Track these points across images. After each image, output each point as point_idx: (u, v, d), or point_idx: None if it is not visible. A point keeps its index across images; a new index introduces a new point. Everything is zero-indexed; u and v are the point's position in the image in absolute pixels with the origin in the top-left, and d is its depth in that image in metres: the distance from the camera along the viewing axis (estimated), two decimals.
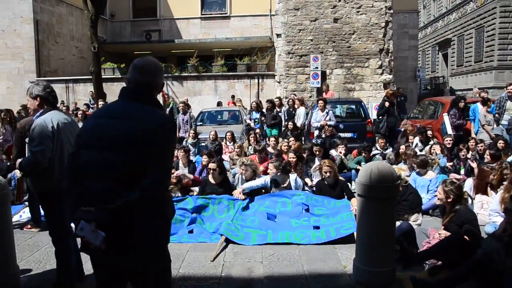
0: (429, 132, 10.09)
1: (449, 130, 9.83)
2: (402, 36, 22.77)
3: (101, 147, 2.22)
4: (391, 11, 16.83)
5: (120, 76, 18.94)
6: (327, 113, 10.76)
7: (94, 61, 16.00)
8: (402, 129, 10.67)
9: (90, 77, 16.62)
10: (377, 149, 9.98)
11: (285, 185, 6.62)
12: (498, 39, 26.15)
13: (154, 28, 22.84)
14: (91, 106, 16.18)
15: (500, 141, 8.00)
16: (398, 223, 5.02)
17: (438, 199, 4.81)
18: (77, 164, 2.28)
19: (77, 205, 2.20)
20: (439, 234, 4.63)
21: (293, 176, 6.84)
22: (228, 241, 5.32)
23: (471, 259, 3.81)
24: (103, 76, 17.33)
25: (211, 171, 6.63)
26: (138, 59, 2.52)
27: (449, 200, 4.59)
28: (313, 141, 9.53)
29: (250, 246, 5.23)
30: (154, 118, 2.31)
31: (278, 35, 17.31)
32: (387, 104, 10.64)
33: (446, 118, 10.06)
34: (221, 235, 5.41)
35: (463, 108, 10.07)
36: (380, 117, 10.89)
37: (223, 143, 10.55)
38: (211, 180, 6.68)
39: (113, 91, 18.45)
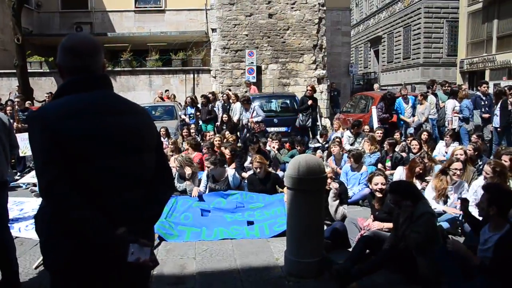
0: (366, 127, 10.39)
1: (375, 123, 10.24)
2: (336, 32, 23.41)
3: (124, 151, 1.89)
4: (324, 8, 17.24)
5: (48, 70, 17.98)
6: (253, 109, 10.87)
7: (19, 54, 15.06)
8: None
9: (15, 71, 15.62)
10: (318, 142, 10.21)
11: (223, 179, 6.58)
12: (424, 38, 27.64)
13: (85, 21, 21.82)
14: (41, 101, 15.13)
15: (424, 133, 8.46)
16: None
17: (376, 191, 5.01)
18: (102, 179, 1.83)
19: (116, 226, 1.81)
20: (368, 225, 4.83)
21: (231, 172, 6.82)
22: (161, 238, 5.22)
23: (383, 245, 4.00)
24: (29, 70, 16.36)
25: None
26: (89, 38, 2.08)
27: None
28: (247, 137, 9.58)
29: (183, 243, 5.16)
30: (143, 109, 2.12)
31: (214, 30, 17.21)
32: (310, 102, 10.87)
33: (374, 112, 10.47)
34: (155, 233, 5.29)
35: (391, 103, 10.52)
36: (305, 112, 11.07)
37: None
38: None
39: (40, 86, 17.50)
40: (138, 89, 18.24)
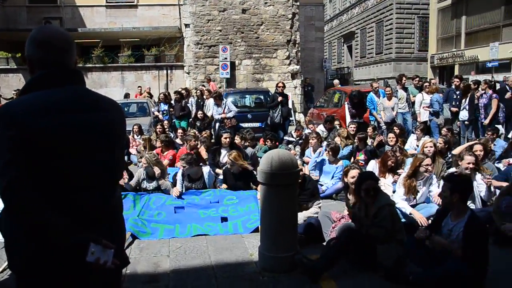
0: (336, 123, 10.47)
1: (348, 118, 10.33)
2: (309, 28, 23.54)
3: (92, 150, 1.83)
4: (298, 3, 17.31)
5: (15, 66, 17.49)
6: (225, 105, 10.85)
7: None
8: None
9: None
10: (292, 136, 10.26)
11: (199, 177, 6.52)
12: (396, 33, 28.05)
13: (54, 16, 21.22)
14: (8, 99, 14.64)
15: (395, 128, 8.59)
16: (302, 216, 5.20)
17: (352, 183, 5.06)
18: (70, 177, 1.77)
19: (76, 227, 1.75)
20: (344, 217, 4.89)
21: (206, 169, 6.76)
22: (134, 237, 5.15)
23: (344, 234, 4.07)
24: None
25: None
26: (63, 31, 2.01)
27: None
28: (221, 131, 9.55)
29: (157, 240, 5.11)
30: (116, 104, 2.05)
31: (187, 25, 17.06)
32: (280, 98, 10.93)
33: (346, 107, 10.56)
34: (127, 231, 5.21)
35: (359, 101, 10.62)
36: (274, 109, 11.10)
37: (130, 137, 10.19)
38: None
39: (7, 83, 17.02)
40: (110, 86, 17.94)
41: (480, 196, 5.49)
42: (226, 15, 16.58)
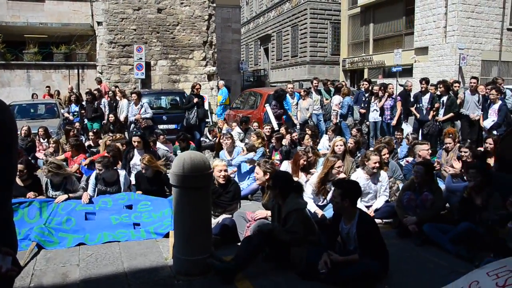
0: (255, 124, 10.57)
1: (273, 121, 10.46)
2: (226, 29, 23.68)
3: None
4: (214, 4, 17.33)
5: None
6: (142, 106, 10.61)
7: None
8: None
9: None
10: (207, 138, 10.21)
11: (114, 181, 6.26)
12: (310, 37, 29.11)
13: None
14: None
15: (307, 129, 8.92)
16: (221, 218, 5.22)
17: (257, 179, 5.13)
18: None
19: None
20: (259, 214, 4.97)
21: (122, 172, 6.52)
22: (40, 247, 4.83)
23: (258, 234, 4.17)
24: None
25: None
26: None
27: (266, 177, 4.95)
28: (133, 133, 9.30)
29: (66, 249, 4.84)
30: (6, 104, 1.93)
31: (99, 23, 16.37)
32: (195, 100, 10.92)
33: (268, 109, 10.69)
34: (32, 241, 4.88)
35: (283, 100, 10.89)
36: (190, 110, 11.06)
37: (36, 140, 9.55)
38: (19, 183, 5.92)
39: None
40: (14, 85, 16.70)
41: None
42: (141, 14, 16.17)
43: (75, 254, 4.72)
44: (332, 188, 5.70)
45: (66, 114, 11.59)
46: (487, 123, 8.84)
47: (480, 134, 9.32)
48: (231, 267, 3.94)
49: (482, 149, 7.32)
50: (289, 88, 11.45)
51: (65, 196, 5.76)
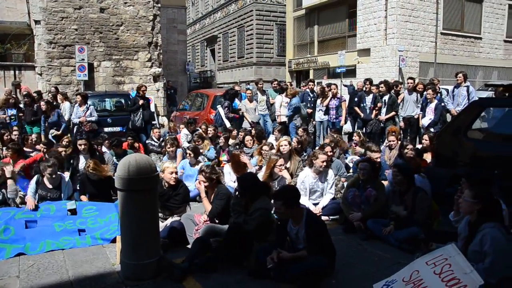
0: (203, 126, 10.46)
1: (226, 122, 10.41)
2: (172, 30, 23.36)
3: None
4: (159, 4, 17.06)
5: None
6: (88, 108, 10.29)
7: None
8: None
9: None
10: (153, 139, 10.02)
11: (56, 186, 6.02)
12: (256, 38, 29.32)
13: None
14: None
15: (253, 130, 9.00)
16: (170, 221, 5.16)
17: (202, 182, 5.13)
18: None
19: None
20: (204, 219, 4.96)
21: (65, 177, 6.29)
22: None
23: (205, 236, 4.26)
24: None
25: None
26: None
27: (213, 181, 4.98)
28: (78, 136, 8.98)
29: (4, 261, 4.58)
30: None
31: (37, 22, 15.59)
32: (141, 102, 10.75)
33: (220, 110, 10.62)
34: None
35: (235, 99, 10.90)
36: (135, 112, 10.88)
37: None
38: None
39: None
40: None
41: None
42: (82, 14, 15.61)
43: (14, 265, 4.49)
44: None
45: (1, 116, 10.89)
46: (424, 121, 9.30)
47: (419, 132, 9.76)
48: (182, 269, 3.92)
49: (420, 146, 7.71)
50: (237, 88, 11.48)
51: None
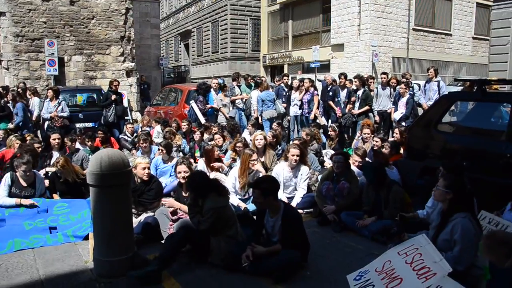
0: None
1: (201, 117, 10.32)
2: (145, 24, 22.97)
3: None
4: None
5: None
6: (59, 103, 10.07)
7: None
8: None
9: None
10: (126, 135, 9.92)
11: (30, 183, 5.85)
12: (230, 33, 29.23)
13: None
14: None
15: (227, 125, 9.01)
16: (144, 216, 5.10)
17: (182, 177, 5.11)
18: None
19: None
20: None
21: (39, 175, 6.11)
22: None
23: (179, 232, 4.22)
24: None
25: None
26: None
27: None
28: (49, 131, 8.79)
29: None
30: None
31: (2, 14, 15.08)
32: (113, 97, 10.60)
33: (194, 105, 10.53)
34: None
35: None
36: (107, 108, 10.74)
37: None
38: None
39: None
40: None
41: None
42: (51, 6, 15.20)
43: None
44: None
45: None
46: (396, 115, 9.45)
47: (391, 126, 9.92)
48: (155, 265, 3.87)
49: (392, 139, 7.85)
50: (214, 83, 11.37)
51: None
